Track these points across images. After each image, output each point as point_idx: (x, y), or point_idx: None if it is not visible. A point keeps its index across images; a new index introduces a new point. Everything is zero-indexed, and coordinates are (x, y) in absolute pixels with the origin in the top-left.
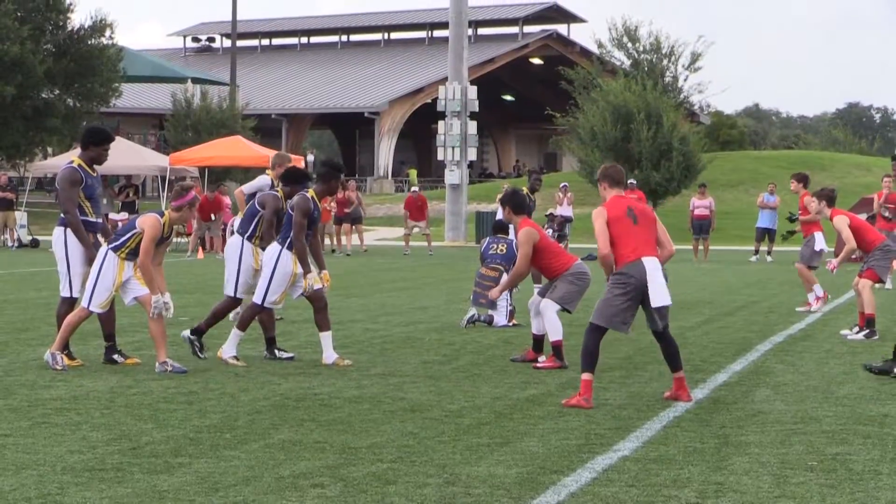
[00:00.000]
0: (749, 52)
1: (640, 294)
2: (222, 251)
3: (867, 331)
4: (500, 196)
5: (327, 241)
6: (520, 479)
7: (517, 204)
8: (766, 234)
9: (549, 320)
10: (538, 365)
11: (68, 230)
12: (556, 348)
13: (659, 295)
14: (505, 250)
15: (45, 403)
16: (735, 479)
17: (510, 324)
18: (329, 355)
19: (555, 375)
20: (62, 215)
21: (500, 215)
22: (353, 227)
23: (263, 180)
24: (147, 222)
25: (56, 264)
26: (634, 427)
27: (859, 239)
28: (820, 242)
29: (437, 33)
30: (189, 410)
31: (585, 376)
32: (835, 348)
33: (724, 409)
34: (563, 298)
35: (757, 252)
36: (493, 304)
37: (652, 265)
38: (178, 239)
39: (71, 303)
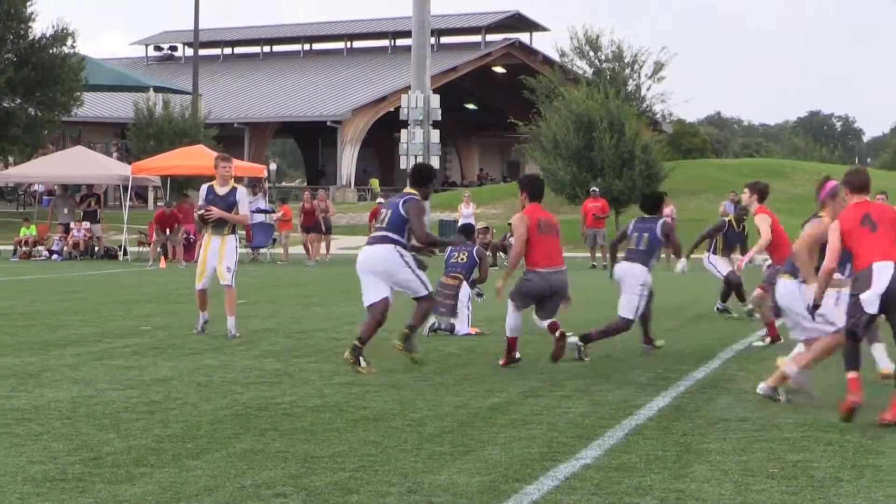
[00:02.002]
0: (711, 61)
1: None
2: (184, 260)
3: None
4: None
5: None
6: (482, 487)
7: (535, 191)
8: None
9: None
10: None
11: None
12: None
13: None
14: (466, 259)
15: (5, 413)
16: (696, 487)
17: (472, 332)
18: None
19: (517, 384)
20: None
21: (463, 221)
22: (323, 236)
23: (201, 190)
24: None
25: None
26: (596, 435)
27: (773, 247)
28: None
29: (400, 42)
30: (151, 420)
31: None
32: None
33: (686, 417)
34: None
35: None
36: (452, 312)
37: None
38: (140, 248)
39: None
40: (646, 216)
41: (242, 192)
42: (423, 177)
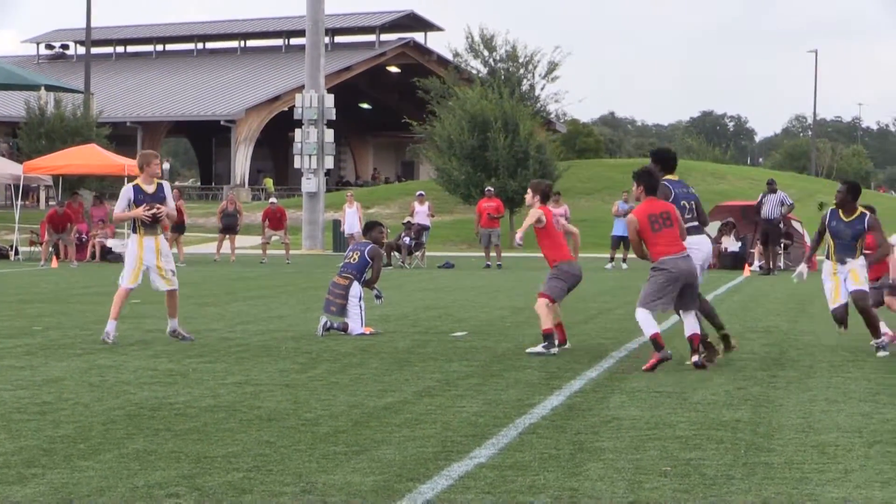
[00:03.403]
0: (605, 61)
1: None
2: (76, 260)
3: (545, 343)
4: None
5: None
6: (376, 486)
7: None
8: (622, 242)
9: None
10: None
11: None
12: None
13: None
14: (357, 259)
15: None
16: (590, 485)
17: (367, 332)
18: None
19: (411, 384)
20: None
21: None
22: (228, 236)
23: (126, 191)
24: None
25: None
26: (491, 434)
27: (548, 246)
28: None
29: (294, 41)
30: (42, 421)
31: None
32: (688, 355)
33: (580, 416)
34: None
35: (612, 260)
36: (342, 312)
37: None
38: (32, 248)
39: None
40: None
41: (168, 188)
42: None
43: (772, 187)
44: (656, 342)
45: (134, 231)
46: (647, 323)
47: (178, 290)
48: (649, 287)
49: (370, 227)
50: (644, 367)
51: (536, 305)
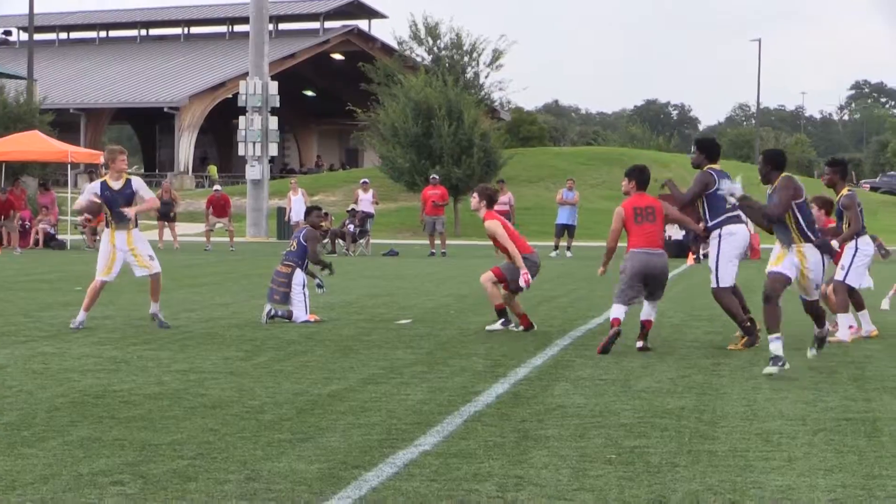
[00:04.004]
0: (549, 49)
1: None
2: (19, 247)
3: (502, 320)
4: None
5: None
6: (321, 474)
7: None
8: (566, 230)
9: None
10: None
11: None
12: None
13: None
14: (296, 247)
15: None
16: (535, 473)
17: (311, 319)
18: None
19: (356, 371)
20: None
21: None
22: (167, 224)
23: (92, 187)
24: None
25: None
26: (436, 422)
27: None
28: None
29: (238, 28)
30: None
31: None
32: (633, 342)
33: (525, 404)
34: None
35: (556, 248)
36: (285, 300)
37: None
38: None
39: None
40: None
41: (139, 182)
42: None
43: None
44: (613, 325)
45: (106, 225)
46: (617, 312)
47: (160, 272)
48: (621, 283)
49: (308, 212)
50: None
51: (483, 278)
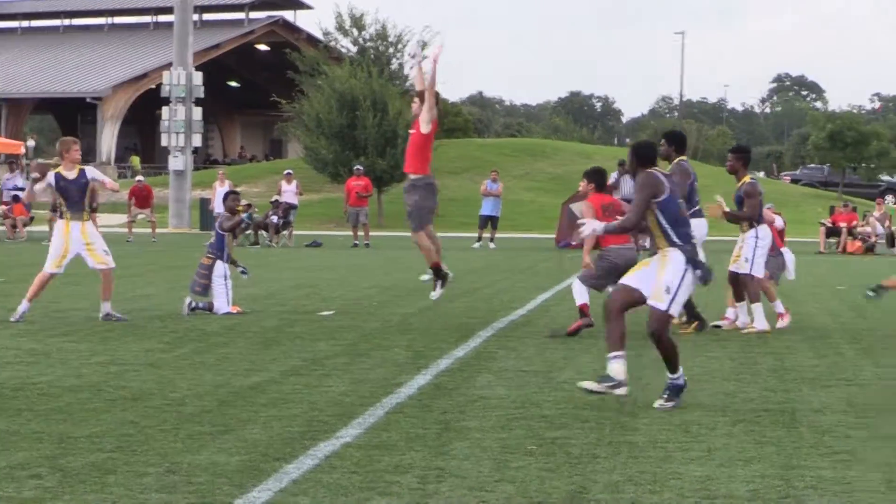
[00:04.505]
0: (473, 40)
1: None
2: None
3: (440, 282)
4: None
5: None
6: (242, 466)
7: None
8: (490, 221)
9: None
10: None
11: None
12: None
13: None
14: (214, 239)
15: None
16: (456, 464)
17: (234, 311)
18: None
19: (278, 363)
20: None
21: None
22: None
23: (49, 177)
24: None
25: None
26: (357, 414)
27: None
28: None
29: (162, 18)
30: None
31: None
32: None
33: (446, 395)
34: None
35: (480, 239)
36: (206, 291)
37: None
38: None
39: None
40: None
41: (93, 170)
42: None
43: (626, 168)
44: (582, 311)
45: (60, 217)
46: (580, 293)
47: (113, 269)
48: (594, 270)
49: (225, 197)
50: (568, 330)
51: (419, 237)
